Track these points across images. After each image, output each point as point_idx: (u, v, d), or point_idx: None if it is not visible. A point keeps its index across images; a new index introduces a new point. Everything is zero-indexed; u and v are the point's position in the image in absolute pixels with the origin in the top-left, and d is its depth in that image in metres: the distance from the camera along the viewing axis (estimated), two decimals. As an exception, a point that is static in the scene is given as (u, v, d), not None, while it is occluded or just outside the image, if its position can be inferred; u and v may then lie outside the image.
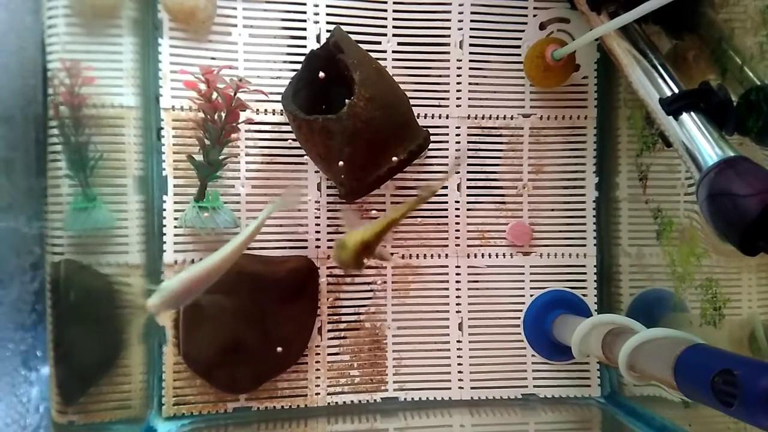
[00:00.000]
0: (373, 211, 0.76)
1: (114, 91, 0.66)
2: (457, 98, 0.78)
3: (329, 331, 0.76)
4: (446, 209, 0.78)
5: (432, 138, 0.75)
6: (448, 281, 0.78)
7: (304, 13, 0.75)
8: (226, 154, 0.72)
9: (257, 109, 0.74)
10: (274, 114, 0.75)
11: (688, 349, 0.49)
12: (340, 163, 0.66)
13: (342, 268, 0.59)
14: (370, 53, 0.72)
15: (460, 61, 0.78)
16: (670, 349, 0.50)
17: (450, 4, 0.77)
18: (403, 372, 0.77)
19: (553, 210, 0.80)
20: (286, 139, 0.75)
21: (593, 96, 0.80)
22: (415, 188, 0.77)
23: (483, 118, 0.79)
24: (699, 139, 0.56)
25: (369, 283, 0.77)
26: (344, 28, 0.72)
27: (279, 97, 0.71)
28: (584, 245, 0.80)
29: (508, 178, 0.79)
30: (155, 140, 0.73)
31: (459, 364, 0.78)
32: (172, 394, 0.72)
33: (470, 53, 0.78)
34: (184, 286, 0.56)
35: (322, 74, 0.70)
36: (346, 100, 0.64)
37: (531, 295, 0.79)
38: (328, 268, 0.76)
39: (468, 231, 0.79)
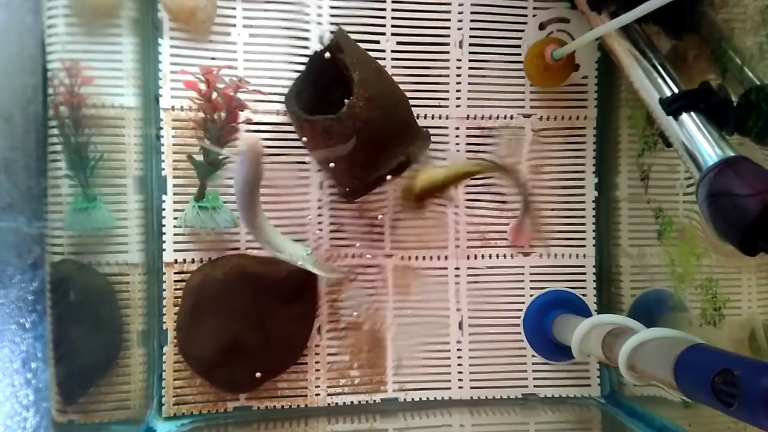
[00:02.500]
0: (371, 214, 0.76)
1: (114, 91, 0.66)
2: (457, 98, 0.78)
3: (329, 331, 0.76)
4: (446, 209, 0.78)
5: (432, 138, 0.75)
6: (447, 282, 0.78)
7: (304, 13, 0.75)
8: (225, 154, 0.72)
9: (256, 110, 0.74)
10: (274, 114, 0.75)
11: (688, 349, 0.49)
12: (344, 158, 0.66)
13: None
14: (369, 53, 0.72)
15: (460, 60, 0.78)
16: (670, 349, 0.50)
17: (450, 3, 0.77)
18: (403, 372, 0.77)
19: (552, 210, 0.80)
20: (287, 139, 0.75)
21: (593, 96, 0.80)
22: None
23: (483, 118, 0.79)
24: (699, 139, 0.56)
25: (370, 281, 0.77)
26: (343, 27, 0.72)
27: (279, 97, 0.71)
28: (584, 245, 0.80)
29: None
30: (155, 140, 0.73)
31: (459, 364, 0.78)
32: (172, 394, 0.72)
33: (470, 53, 0.78)
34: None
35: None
36: (346, 100, 0.64)
37: (531, 295, 0.79)
38: (328, 268, 0.76)
39: (468, 231, 0.79)
